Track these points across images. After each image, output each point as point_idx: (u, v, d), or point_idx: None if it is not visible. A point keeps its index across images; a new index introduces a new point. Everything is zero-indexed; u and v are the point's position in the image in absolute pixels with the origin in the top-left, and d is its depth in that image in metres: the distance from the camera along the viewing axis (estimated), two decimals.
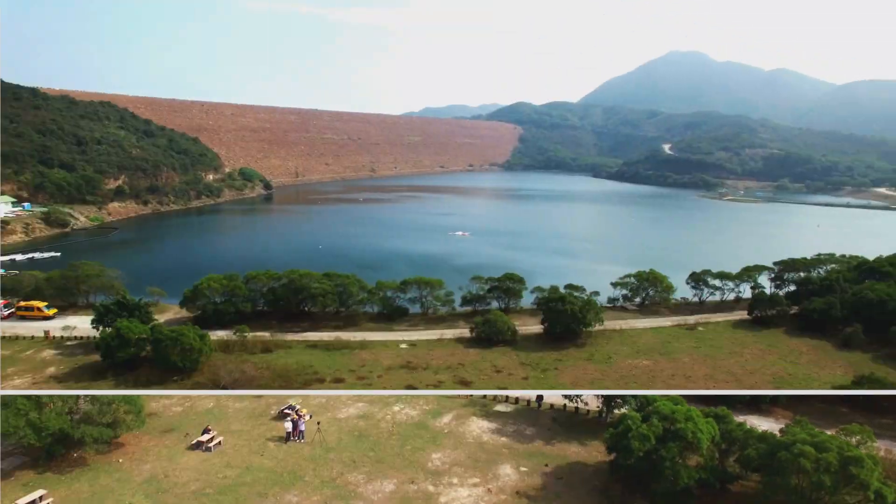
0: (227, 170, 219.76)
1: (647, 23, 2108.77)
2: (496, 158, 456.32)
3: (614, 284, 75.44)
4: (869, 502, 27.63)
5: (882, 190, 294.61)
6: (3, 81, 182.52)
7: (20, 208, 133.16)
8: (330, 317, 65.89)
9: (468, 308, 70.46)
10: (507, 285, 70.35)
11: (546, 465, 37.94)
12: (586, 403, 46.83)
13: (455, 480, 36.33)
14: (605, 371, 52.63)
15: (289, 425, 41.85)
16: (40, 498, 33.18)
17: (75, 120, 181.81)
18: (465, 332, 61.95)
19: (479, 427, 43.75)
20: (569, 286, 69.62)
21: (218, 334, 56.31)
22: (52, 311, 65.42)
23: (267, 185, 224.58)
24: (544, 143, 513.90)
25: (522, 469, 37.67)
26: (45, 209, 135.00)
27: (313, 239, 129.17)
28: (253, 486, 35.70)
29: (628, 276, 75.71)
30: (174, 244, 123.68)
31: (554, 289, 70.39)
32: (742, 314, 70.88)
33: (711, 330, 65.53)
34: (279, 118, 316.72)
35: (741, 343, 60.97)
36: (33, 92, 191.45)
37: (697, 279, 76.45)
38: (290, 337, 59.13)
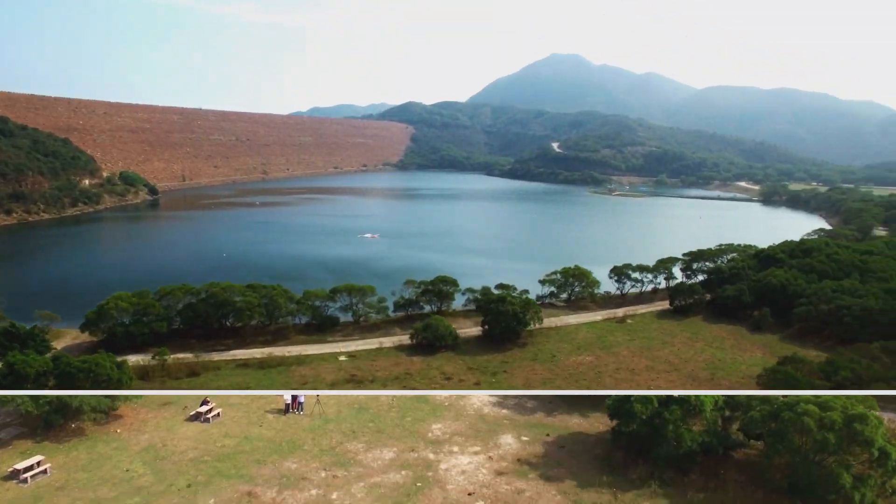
0: (105, 174, 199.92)
1: (529, 25, 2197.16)
2: (390, 158, 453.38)
3: (542, 282, 76.32)
4: (873, 459, 28.36)
5: (743, 184, 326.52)
6: None
7: None
8: (256, 331, 61.02)
9: (401, 313, 68.38)
10: (441, 288, 68.96)
11: (547, 435, 38.58)
12: None
13: (456, 448, 36.90)
14: (553, 370, 52.60)
15: (288, 397, 42.63)
16: (38, 463, 33.70)
17: None
18: (403, 338, 59.85)
19: (479, 400, 44.67)
20: (500, 286, 69.82)
21: (132, 359, 50.18)
22: None
23: (152, 190, 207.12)
24: (436, 142, 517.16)
25: (524, 438, 38.34)
26: None
27: (214, 247, 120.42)
28: (251, 454, 36.46)
29: (554, 272, 76.94)
30: (54, 259, 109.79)
31: (485, 289, 70.34)
32: (663, 304, 74.33)
33: (639, 321, 68.01)
34: (160, 118, 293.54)
35: (669, 333, 63.68)
36: None
37: (620, 272, 79.24)
38: (217, 357, 53.86)
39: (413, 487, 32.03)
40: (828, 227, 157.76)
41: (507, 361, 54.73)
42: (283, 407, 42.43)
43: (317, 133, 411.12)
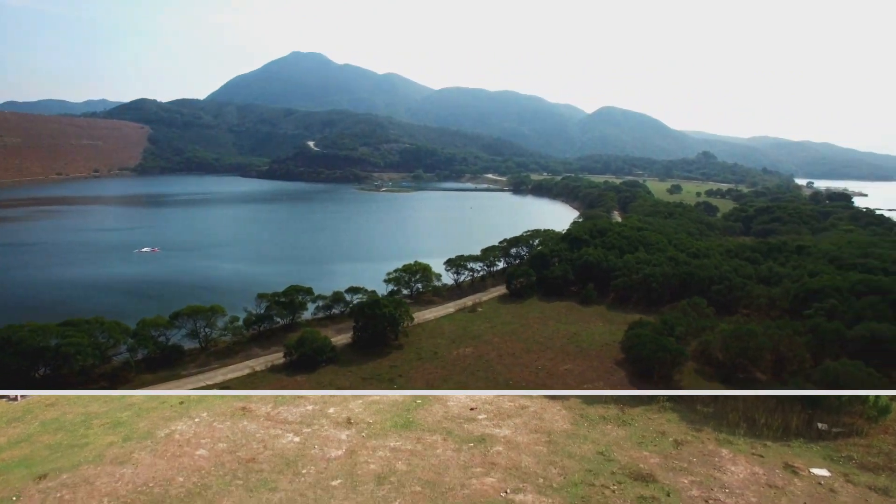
0: None
1: (269, 22, 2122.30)
2: (126, 162, 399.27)
3: (386, 280, 75.51)
4: None
5: (490, 175, 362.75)
6: None
7: None
8: (83, 379, 49.08)
9: (251, 331, 61.51)
10: (294, 298, 63.85)
11: None
12: None
13: None
14: (445, 367, 52.67)
15: None
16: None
17: None
18: (269, 359, 54.43)
19: None
20: (351, 289, 68.01)
21: None
22: None
23: None
24: (179, 143, 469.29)
25: None
26: None
27: None
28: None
29: (397, 270, 76.84)
30: None
31: (337, 294, 67.99)
32: (498, 290, 79.38)
33: (488, 309, 71.55)
34: None
35: (520, 315, 68.26)
36: None
37: (455, 264, 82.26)
38: None
39: (413, 404, 32.06)
40: (574, 211, 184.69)
41: (396, 366, 53.22)
42: None
43: (27, 133, 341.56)
